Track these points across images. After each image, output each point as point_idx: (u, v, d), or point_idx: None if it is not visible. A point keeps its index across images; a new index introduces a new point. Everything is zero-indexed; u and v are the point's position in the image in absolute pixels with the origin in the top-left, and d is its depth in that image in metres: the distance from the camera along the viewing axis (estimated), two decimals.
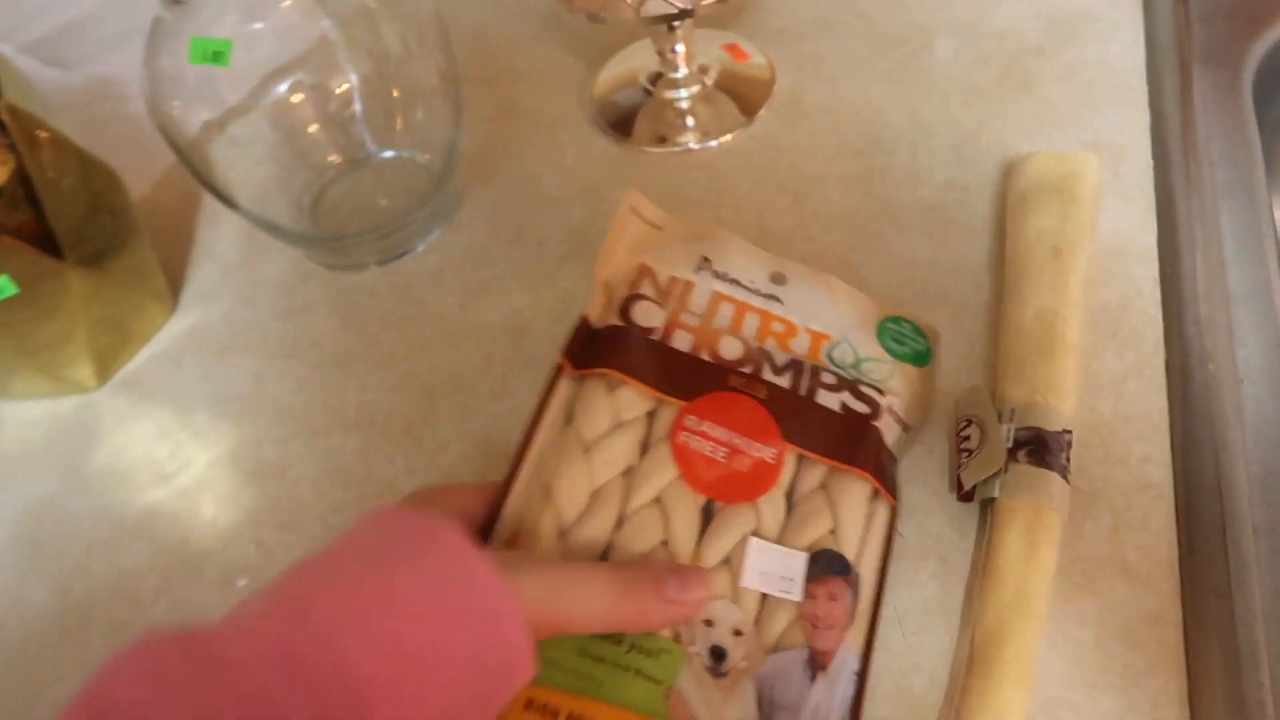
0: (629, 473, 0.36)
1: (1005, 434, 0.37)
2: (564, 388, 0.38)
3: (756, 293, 0.41)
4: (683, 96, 0.58)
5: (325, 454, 0.46)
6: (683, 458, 0.36)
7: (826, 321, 0.41)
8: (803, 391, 0.38)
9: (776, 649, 0.33)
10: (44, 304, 0.48)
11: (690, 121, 0.58)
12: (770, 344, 0.39)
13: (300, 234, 0.54)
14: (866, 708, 0.33)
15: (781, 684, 0.33)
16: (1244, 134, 0.51)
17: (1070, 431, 0.38)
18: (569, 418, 0.37)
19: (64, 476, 0.48)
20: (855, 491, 0.36)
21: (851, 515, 0.36)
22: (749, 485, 0.35)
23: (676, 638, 0.33)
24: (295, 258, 0.56)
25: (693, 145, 0.57)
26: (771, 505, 0.35)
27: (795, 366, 0.39)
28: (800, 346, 0.39)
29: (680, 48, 0.56)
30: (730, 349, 0.39)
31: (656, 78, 0.59)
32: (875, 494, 0.37)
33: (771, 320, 0.40)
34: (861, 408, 0.38)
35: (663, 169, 0.56)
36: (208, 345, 0.53)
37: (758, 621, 0.34)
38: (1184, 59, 0.54)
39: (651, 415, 0.37)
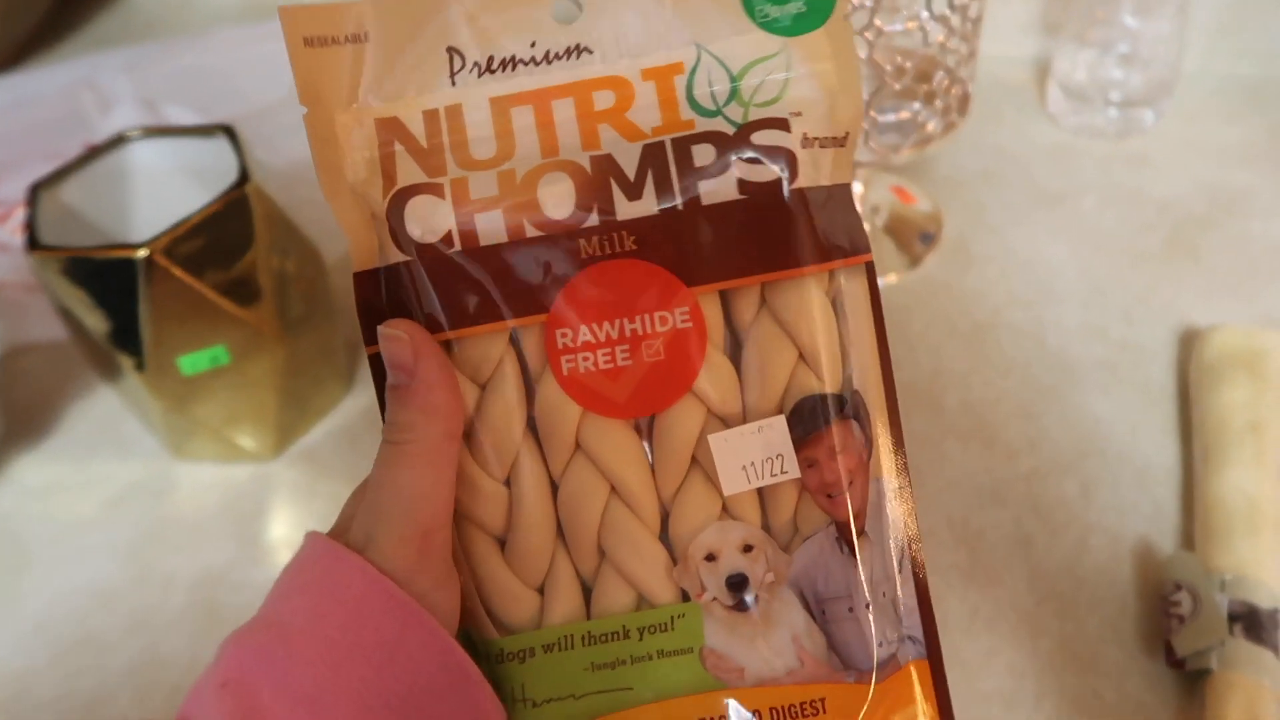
0: (531, 425, 0.27)
1: (1220, 604, 0.37)
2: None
3: (550, 58, 0.27)
4: None
5: None
6: (579, 391, 0.26)
7: (661, 33, 0.27)
8: (679, 201, 0.26)
9: (798, 541, 0.27)
10: (249, 374, 0.50)
11: None
12: (606, 134, 0.27)
13: None
14: None
15: (822, 575, 0.27)
16: None
17: None
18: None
19: (241, 545, 0.49)
20: (808, 297, 0.26)
21: (818, 331, 0.26)
22: (675, 372, 0.26)
23: (684, 595, 0.26)
24: None
25: None
26: (713, 379, 0.26)
27: (652, 159, 0.26)
28: (646, 111, 0.27)
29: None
30: (556, 197, 0.26)
31: None
32: (832, 277, 0.27)
33: (590, 90, 0.27)
34: (766, 172, 0.26)
35: None
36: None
37: (764, 525, 0.27)
38: None
39: (516, 345, 0.27)
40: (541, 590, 0.27)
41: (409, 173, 0.26)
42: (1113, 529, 0.45)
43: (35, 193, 0.48)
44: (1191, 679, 0.38)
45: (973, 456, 0.48)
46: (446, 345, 0.26)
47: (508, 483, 0.27)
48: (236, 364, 0.49)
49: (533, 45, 0.27)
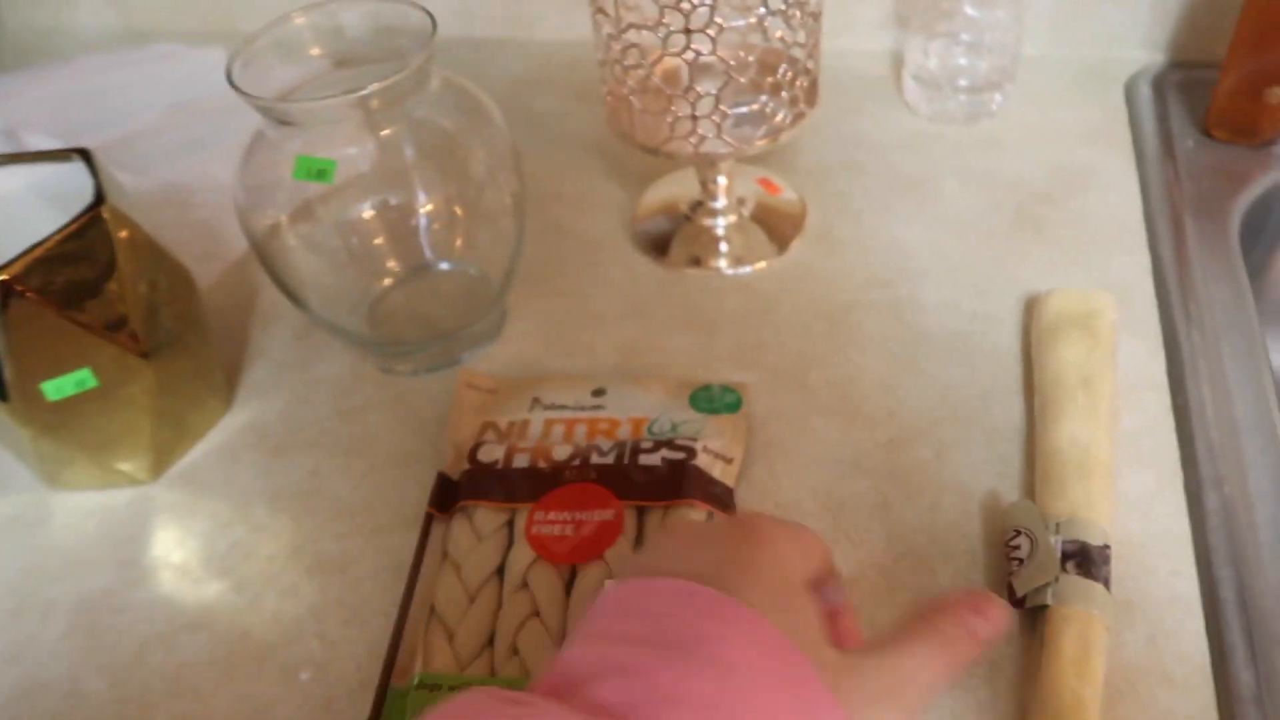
0: (500, 571, 0.44)
1: (1055, 545, 0.40)
2: (436, 531, 0.47)
3: (581, 408, 0.50)
4: (719, 224, 0.63)
5: (386, 551, 0.48)
6: (537, 543, 0.44)
7: (645, 409, 0.50)
8: (626, 461, 0.46)
9: None
10: (119, 397, 0.49)
11: (724, 247, 0.62)
12: (599, 440, 0.48)
13: (358, 336, 0.57)
14: None
15: None
16: (1234, 278, 0.56)
17: (1109, 546, 0.41)
18: (445, 554, 0.45)
19: (120, 569, 0.49)
20: (689, 517, 0.44)
21: None
22: (598, 545, 0.44)
23: None
24: (350, 360, 0.58)
25: (725, 269, 0.61)
26: (619, 553, 0.43)
27: (620, 447, 0.48)
28: (624, 433, 0.49)
29: (722, 180, 0.61)
30: (561, 453, 0.48)
31: (696, 205, 0.63)
32: (711, 516, 0.45)
33: (597, 423, 0.49)
34: (679, 455, 0.47)
35: (705, 291, 0.59)
36: (264, 442, 0.54)
37: None
38: (1176, 210, 0.60)
39: (510, 524, 0.45)
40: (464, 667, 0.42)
41: (489, 437, 0.50)
42: (964, 487, 0.47)
43: None
44: (1031, 615, 0.41)
45: (836, 430, 0.51)
46: (467, 509, 0.46)
47: (473, 599, 0.43)
48: (106, 387, 0.49)
49: (576, 401, 0.51)
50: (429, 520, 0.47)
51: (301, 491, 0.51)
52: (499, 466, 0.47)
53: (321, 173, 0.46)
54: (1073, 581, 0.39)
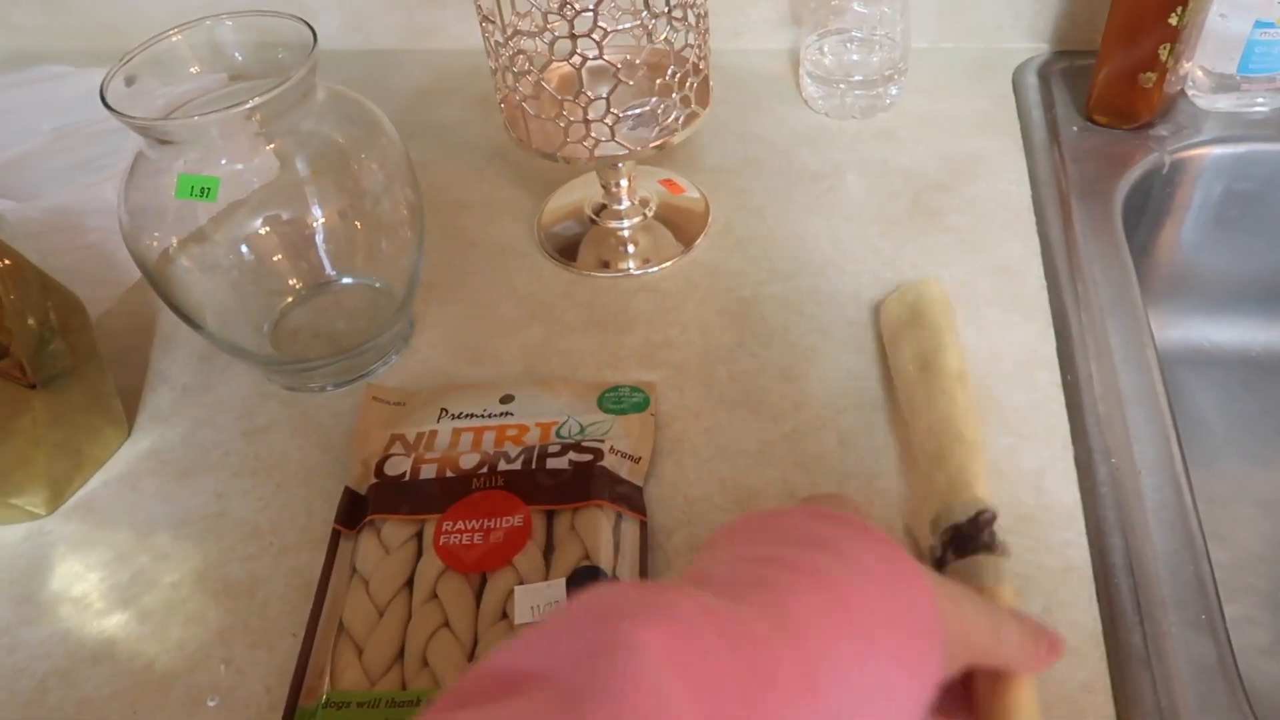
0: (410, 584, 0.44)
1: (936, 547, 0.41)
2: (344, 548, 0.46)
3: (490, 416, 0.51)
4: (625, 226, 0.63)
5: (295, 570, 0.47)
6: (446, 554, 0.44)
7: (553, 413, 0.50)
8: (534, 466, 0.47)
9: None
10: (8, 430, 0.48)
11: (631, 249, 0.63)
12: (507, 446, 0.49)
13: (262, 356, 0.56)
14: None
15: None
16: (1119, 257, 0.58)
17: (985, 510, 0.41)
18: (353, 569, 0.45)
19: (15, 605, 0.48)
20: (598, 518, 0.44)
21: (600, 537, 0.44)
22: (506, 551, 0.44)
23: None
24: (254, 379, 0.57)
25: (634, 270, 0.61)
26: (528, 558, 0.43)
27: (527, 452, 0.48)
28: (532, 438, 0.49)
29: (624, 183, 0.61)
30: (469, 462, 0.47)
31: (601, 209, 0.63)
32: (620, 516, 0.45)
33: (505, 430, 0.50)
34: (585, 458, 0.47)
35: (612, 292, 0.60)
36: (167, 467, 0.53)
37: None
38: (1062, 194, 0.62)
39: (418, 536, 0.45)
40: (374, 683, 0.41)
41: (397, 450, 0.49)
42: (868, 473, 0.48)
43: None
44: None
45: (740, 423, 0.51)
46: (375, 523, 0.46)
47: (381, 613, 0.43)
48: None
49: (484, 410, 0.51)
50: (336, 537, 0.46)
51: (206, 515, 0.50)
52: (406, 479, 0.47)
53: (205, 190, 0.46)
54: (954, 569, 0.40)
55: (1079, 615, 0.41)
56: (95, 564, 0.49)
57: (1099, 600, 0.42)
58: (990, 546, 0.39)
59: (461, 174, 0.70)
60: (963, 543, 0.40)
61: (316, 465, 0.52)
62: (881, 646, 0.27)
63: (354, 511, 0.47)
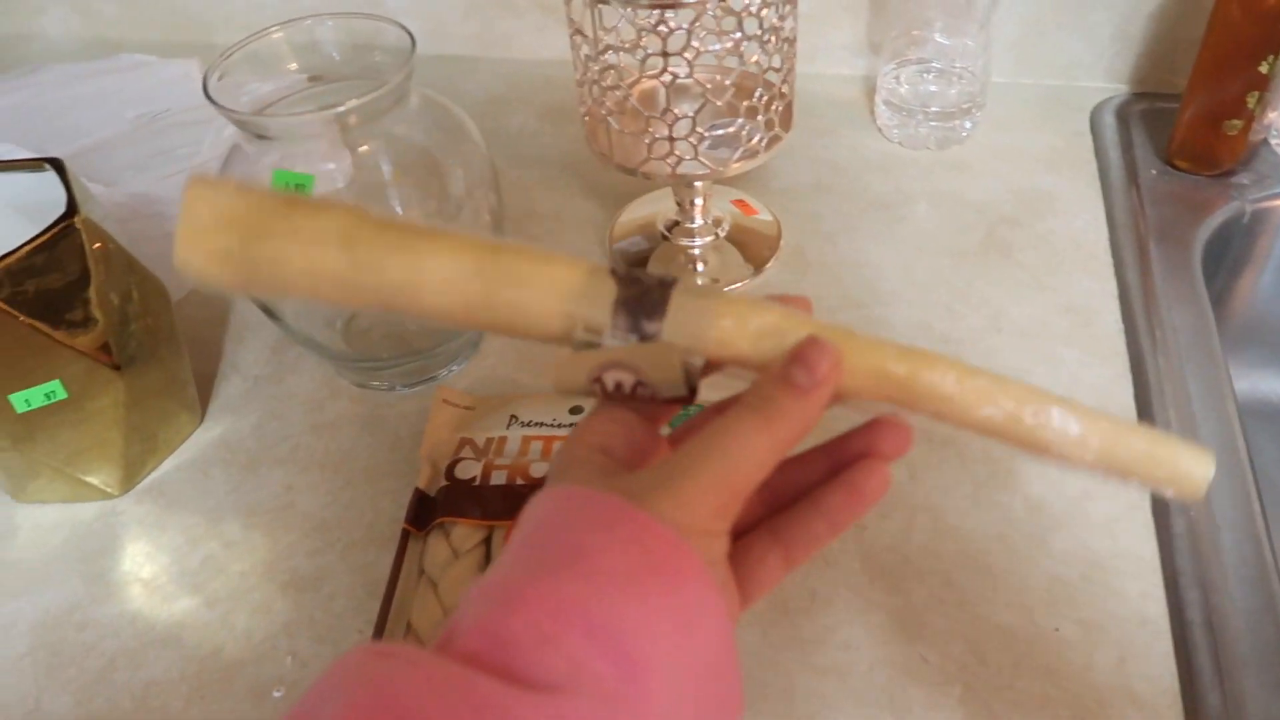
0: None
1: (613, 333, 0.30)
2: (412, 548, 0.46)
3: (559, 425, 0.50)
4: (696, 244, 0.63)
5: (361, 568, 0.47)
6: None
7: None
8: None
9: None
10: (89, 410, 0.49)
11: (701, 267, 0.63)
12: None
13: (334, 351, 0.56)
14: None
15: None
16: (1198, 305, 0.57)
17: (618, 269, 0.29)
18: (421, 571, 0.45)
19: (86, 584, 0.48)
20: None
21: None
22: None
23: None
24: (323, 374, 0.58)
25: None
26: None
27: None
28: None
29: (699, 201, 0.62)
30: (539, 470, 0.47)
31: (673, 225, 0.64)
32: None
33: None
34: None
35: None
36: (237, 456, 0.54)
37: None
38: (1140, 237, 0.62)
39: (487, 541, 0.45)
40: None
41: (466, 454, 0.49)
42: (936, 509, 0.48)
43: None
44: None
45: (808, 447, 0.51)
46: (444, 526, 0.46)
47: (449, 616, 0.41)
48: (76, 399, 0.48)
49: (554, 419, 0.50)
50: (405, 537, 0.47)
51: (274, 507, 0.51)
52: (476, 483, 0.47)
53: (299, 187, 0.46)
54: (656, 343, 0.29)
55: (1155, 669, 0.41)
56: (165, 547, 0.50)
57: (1176, 656, 0.41)
58: (666, 283, 0.29)
59: (533, 184, 0.71)
60: (637, 306, 0.28)
61: (383, 463, 0.52)
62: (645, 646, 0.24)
63: (423, 513, 0.47)
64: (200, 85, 0.48)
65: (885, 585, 0.45)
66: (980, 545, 0.46)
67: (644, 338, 0.28)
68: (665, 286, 0.29)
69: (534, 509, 0.28)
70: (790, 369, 0.28)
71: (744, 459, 0.27)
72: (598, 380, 0.29)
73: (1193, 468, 0.28)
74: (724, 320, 0.28)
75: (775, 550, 0.31)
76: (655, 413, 0.32)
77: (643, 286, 0.29)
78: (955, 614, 0.44)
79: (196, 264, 0.28)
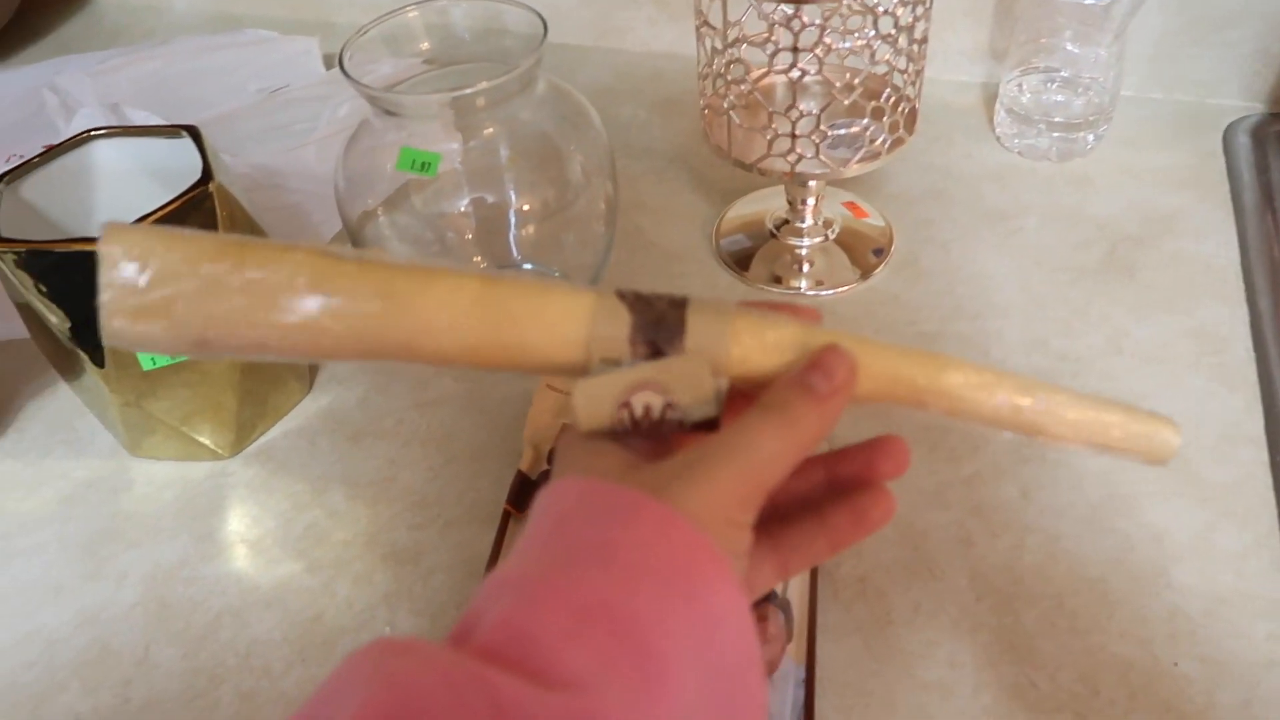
0: None
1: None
2: (513, 529, 0.46)
3: None
4: (804, 245, 0.62)
5: (460, 545, 0.48)
6: None
7: None
8: None
9: None
10: (207, 372, 0.50)
11: (806, 268, 0.62)
12: None
13: None
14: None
15: None
16: None
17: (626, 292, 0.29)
18: None
19: (195, 541, 0.50)
20: None
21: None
22: None
23: None
24: None
25: (805, 290, 0.60)
26: None
27: None
28: None
29: (811, 201, 0.61)
30: None
31: (782, 224, 0.63)
32: None
33: None
34: None
35: None
36: (343, 427, 0.54)
37: None
38: (1275, 262, 0.59)
39: None
40: None
41: None
42: (1049, 530, 0.46)
43: None
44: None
45: (917, 460, 0.50)
46: None
47: None
48: (195, 361, 0.49)
49: None
50: (506, 518, 0.47)
51: (377, 480, 0.51)
52: None
53: (425, 166, 0.47)
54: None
55: None
56: (272, 511, 0.51)
57: None
58: (679, 303, 0.29)
59: (640, 175, 0.71)
60: (654, 331, 0.28)
61: (485, 444, 0.53)
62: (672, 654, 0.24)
63: (524, 495, 0.48)
64: (319, 63, 0.49)
65: (994, 604, 0.44)
66: (1096, 571, 0.44)
67: None
68: (678, 306, 0.28)
69: (552, 500, 0.28)
70: (809, 375, 0.28)
71: (766, 457, 0.27)
72: (625, 406, 0.28)
73: (1169, 437, 0.30)
74: (743, 336, 0.28)
75: (772, 558, 0.31)
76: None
77: (655, 310, 0.28)
78: (1067, 640, 0.42)
79: (125, 327, 0.25)
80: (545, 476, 0.47)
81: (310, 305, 0.26)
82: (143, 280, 0.24)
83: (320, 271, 0.26)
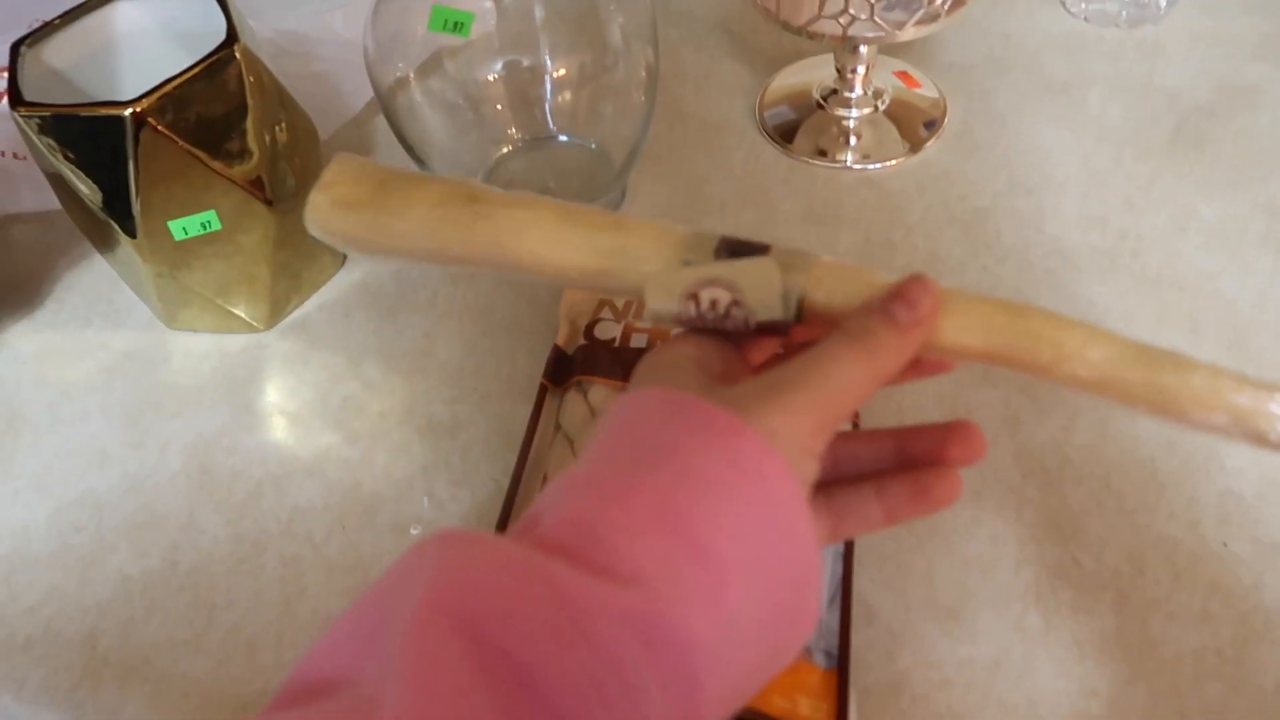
0: None
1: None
2: (549, 403, 0.46)
3: None
4: (852, 116, 0.60)
5: (497, 418, 0.48)
6: None
7: None
8: None
9: None
10: (240, 243, 0.49)
11: (854, 140, 0.59)
12: None
13: None
14: None
15: None
16: None
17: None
18: (558, 426, 0.44)
19: (235, 412, 0.50)
20: None
21: None
22: None
23: None
24: None
25: (852, 164, 0.58)
26: None
27: None
28: None
29: (861, 69, 0.58)
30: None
31: (830, 94, 0.60)
32: None
33: None
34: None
35: (830, 184, 0.57)
36: (377, 301, 0.54)
37: None
38: None
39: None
40: None
41: (605, 315, 0.48)
42: (1100, 411, 0.45)
43: (17, 51, 0.47)
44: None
45: None
46: (582, 384, 0.45)
47: None
48: (228, 232, 0.48)
49: None
50: (543, 392, 0.46)
51: (413, 352, 0.51)
52: (616, 345, 0.46)
53: (458, 25, 0.45)
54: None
55: None
56: (309, 382, 0.51)
57: None
58: (763, 246, 0.29)
59: (679, 42, 0.68)
60: (739, 248, 0.29)
61: (521, 318, 0.52)
62: (731, 572, 0.24)
63: (561, 370, 0.47)
64: None
65: (1039, 483, 0.43)
66: (1147, 452, 0.43)
67: None
68: (762, 249, 0.29)
69: (626, 408, 0.28)
70: (892, 304, 0.27)
71: (845, 384, 0.27)
72: (693, 297, 0.28)
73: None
74: (824, 266, 0.29)
75: (825, 518, 0.30)
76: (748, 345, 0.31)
77: (745, 242, 0.29)
78: (1114, 520, 0.41)
79: (324, 209, 0.32)
80: (581, 352, 0.46)
81: (460, 210, 0.30)
82: (349, 177, 0.31)
83: (468, 189, 0.30)
